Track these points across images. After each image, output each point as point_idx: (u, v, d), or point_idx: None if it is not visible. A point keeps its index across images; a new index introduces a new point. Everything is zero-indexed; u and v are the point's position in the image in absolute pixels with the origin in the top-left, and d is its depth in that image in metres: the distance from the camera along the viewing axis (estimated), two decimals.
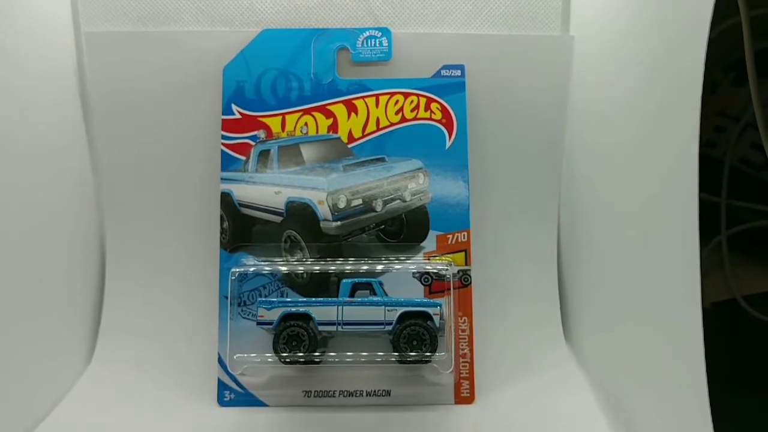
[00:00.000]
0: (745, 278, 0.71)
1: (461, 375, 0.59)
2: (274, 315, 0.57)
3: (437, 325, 0.57)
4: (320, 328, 0.56)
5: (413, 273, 0.58)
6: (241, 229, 0.60)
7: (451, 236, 0.60)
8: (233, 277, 0.58)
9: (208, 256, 0.61)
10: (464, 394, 0.59)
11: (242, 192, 0.61)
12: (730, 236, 0.71)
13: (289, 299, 0.58)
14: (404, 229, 0.60)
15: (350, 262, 0.59)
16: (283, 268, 0.58)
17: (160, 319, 0.63)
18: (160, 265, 0.64)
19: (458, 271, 0.59)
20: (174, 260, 0.64)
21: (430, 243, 0.60)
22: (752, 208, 0.72)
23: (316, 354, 0.56)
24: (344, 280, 0.58)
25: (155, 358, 0.61)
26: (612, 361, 0.57)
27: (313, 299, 0.57)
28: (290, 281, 0.59)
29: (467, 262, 0.59)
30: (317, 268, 0.58)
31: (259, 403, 0.58)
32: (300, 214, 0.59)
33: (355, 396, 0.58)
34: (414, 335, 0.56)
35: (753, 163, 0.72)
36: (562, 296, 0.66)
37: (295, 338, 0.56)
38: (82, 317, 0.63)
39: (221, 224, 0.60)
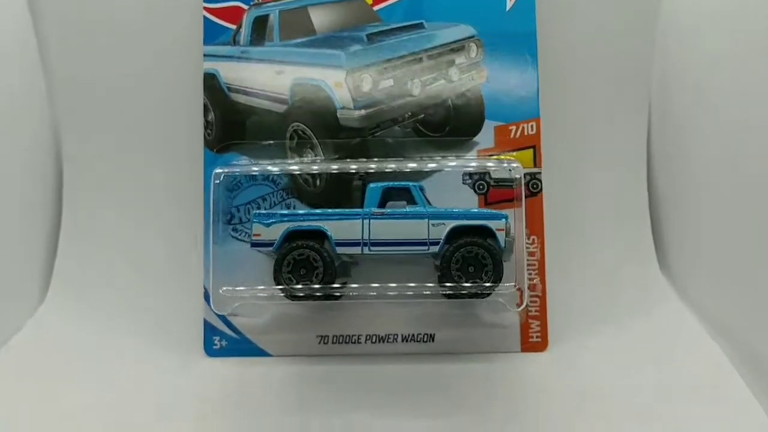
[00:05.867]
0: None
1: (529, 313, 0.52)
2: (275, 233, 0.49)
3: (502, 244, 0.48)
4: (339, 250, 0.49)
5: (463, 177, 0.51)
6: (231, 121, 0.54)
7: (514, 127, 0.51)
8: (217, 181, 0.51)
9: (187, 160, 0.54)
10: (534, 338, 0.52)
11: (232, 72, 0.54)
12: None
13: (295, 212, 0.51)
14: (451, 118, 0.53)
15: (378, 162, 0.51)
16: (293, 168, 0.51)
17: (127, 243, 0.57)
18: (124, 171, 0.57)
19: (525, 175, 0.51)
20: (143, 166, 0.57)
21: (485, 137, 0.52)
22: None
23: (335, 286, 0.49)
24: (371, 185, 0.50)
25: (123, 293, 0.55)
26: (726, 294, 0.51)
27: (329, 210, 0.50)
28: (299, 189, 0.52)
29: (536, 162, 0.51)
30: (335, 168, 0.51)
31: (259, 353, 0.52)
32: (310, 100, 0.53)
33: (388, 342, 0.52)
34: (470, 259, 0.48)
35: None
36: (653, 210, 0.58)
37: (305, 264, 0.48)
38: (34, 243, 0.56)
39: (205, 116, 0.54)
